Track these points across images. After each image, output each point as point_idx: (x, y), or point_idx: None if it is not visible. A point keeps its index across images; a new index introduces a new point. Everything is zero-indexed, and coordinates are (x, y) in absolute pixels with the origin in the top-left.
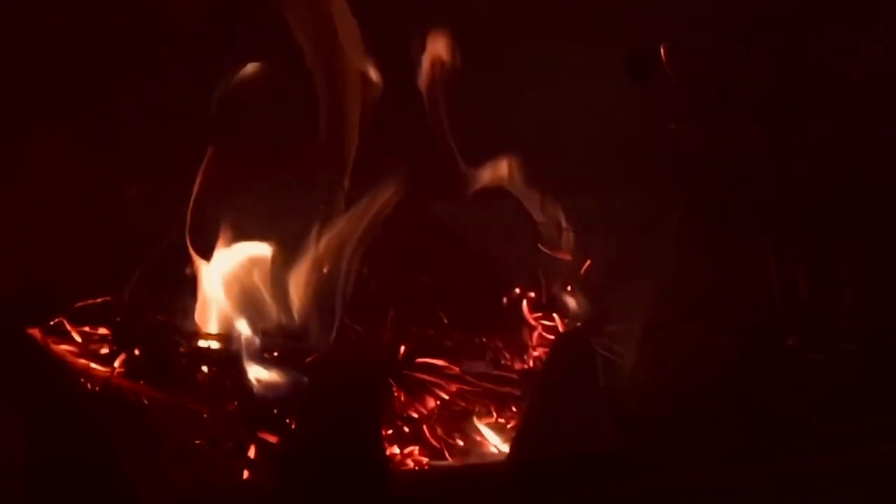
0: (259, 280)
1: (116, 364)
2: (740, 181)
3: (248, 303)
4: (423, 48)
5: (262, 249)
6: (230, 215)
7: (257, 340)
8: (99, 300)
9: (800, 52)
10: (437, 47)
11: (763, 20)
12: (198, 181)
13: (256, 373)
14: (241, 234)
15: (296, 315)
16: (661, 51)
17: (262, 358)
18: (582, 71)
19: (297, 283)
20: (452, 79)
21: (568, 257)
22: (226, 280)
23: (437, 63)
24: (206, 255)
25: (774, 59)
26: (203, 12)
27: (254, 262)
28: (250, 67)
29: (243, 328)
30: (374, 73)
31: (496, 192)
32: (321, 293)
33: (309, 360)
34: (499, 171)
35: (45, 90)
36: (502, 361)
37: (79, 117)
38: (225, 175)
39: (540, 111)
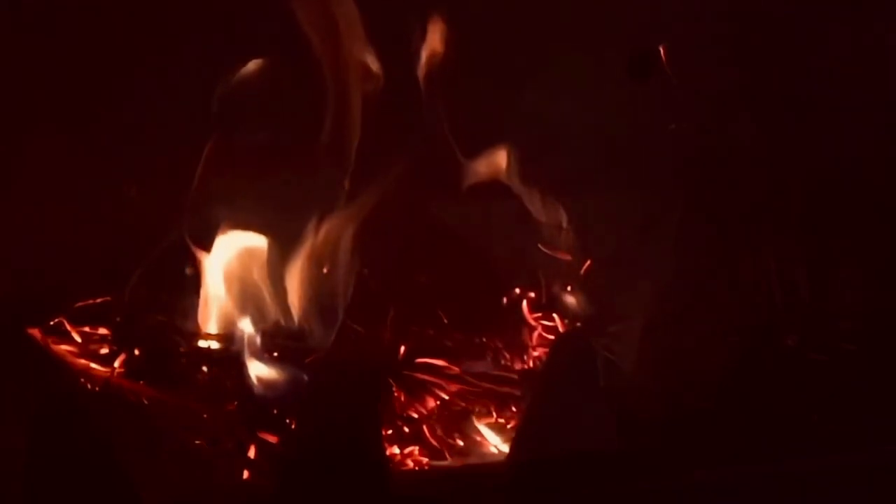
0: (260, 279)
1: (116, 364)
2: (740, 181)
3: (248, 302)
4: (422, 47)
5: (262, 248)
6: (232, 214)
7: (258, 340)
8: (99, 300)
9: (800, 52)
10: (437, 47)
11: (764, 20)
12: (199, 180)
13: (256, 373)
14: (242, 233)
15: (296, 315)
16: (661, 51)
17: (262, 358)
18: (582, 71)
19: (298, 283)
20: (452, 78)
21: (568, 257)
22: (226, 279)
23: (436, 63)
24: (207, 254)
25: (775, 58)
26: (203, 11)
27: (255, 262)
28: (250, 66)
29: (243, 328)
30: (374, 69)
31: (496, 192)
32: (322, 293)
33: (309, 360)
34: (498, 166)
35: (46, 90)
36: (502, 361)
37: (79, 117)
38: (227, 173)
39: (540, 111)
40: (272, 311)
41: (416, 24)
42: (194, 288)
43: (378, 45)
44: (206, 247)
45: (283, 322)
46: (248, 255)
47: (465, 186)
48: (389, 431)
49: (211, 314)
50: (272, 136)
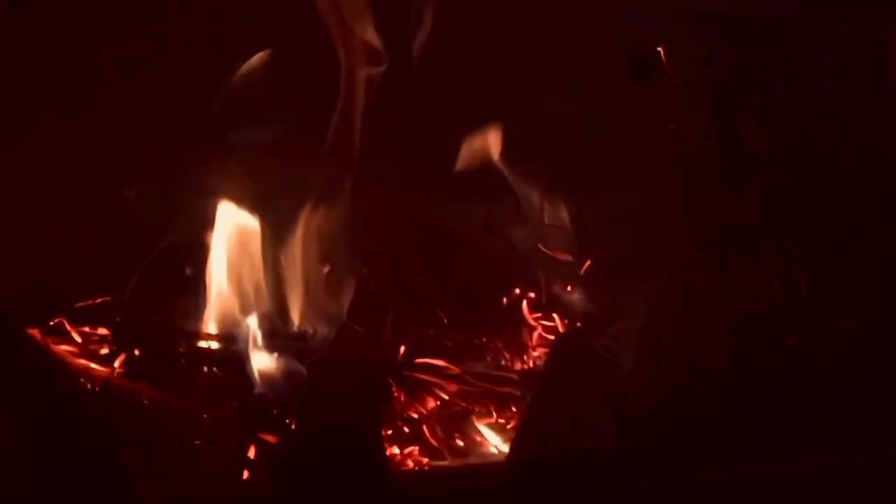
0: (259, 279)
1: (116, 364)
2: (740, 181)
3: (248, 302)
4: (422, 47)
5: (262, 248)
6: (232, 212)
7: (258, 340)
8: (99, 300)
9: (800, 52)
10: (437, 46)
11: (764, 19)
12: (199, 178)
13: (257, 373)
14: (242, 232)
15: (296, 315)
16: (661, 51)
17: (262, 358)
18: (582, 70)
19: (298, 283)
20: (452, 77)
21: (568, 257)
22: (226, 279)
23: (436, 62)
24: (208, 253)
25: (775, 59)
26: (203, 10)
27: (254, 262)
28: (249, 64)
29: (243, 328)
30: (376, 65)
31: (496, 192)
32: (322, 293)
33: (309, 360)
34: (498, 165)
35: (46, 90)
36: (502, 361)
37: (79, 117)
38: (227, 171)
39: (540, 110)
40: (272, 311)
41: (415, 22)
42: (194, 288)
43: (377, 42)
44: (206, 246)
45: (283, 322)
46: (247, 254)
47: (465, 186)
48: (389, 431)
49: (211, 314)
50: (274, 134)
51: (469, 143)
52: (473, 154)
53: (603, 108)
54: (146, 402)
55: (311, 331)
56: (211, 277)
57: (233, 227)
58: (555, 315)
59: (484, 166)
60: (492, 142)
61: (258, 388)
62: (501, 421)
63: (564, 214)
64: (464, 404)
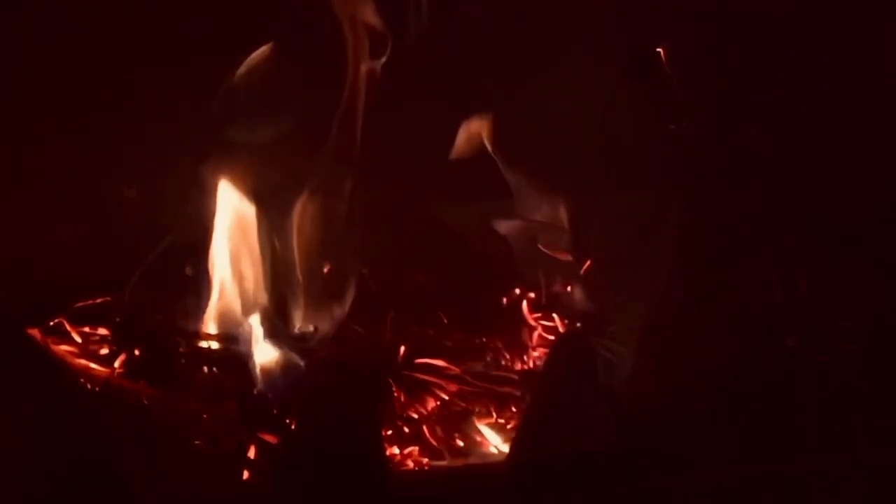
0: (259, 279)
1: (116, 364)
2: (740, 181)
3: (248, 302)
4: (421, 46)
5: (262, 248)
6: (231, 212)
7: (258, 340)
8: (99, 300)
9: (800, 52)
10: (437, 46)
11: (764, 19)
12: (203, 178)
13: (257, 373)
14: (242, 233)
15: (296, 315)
16: (661, 51)
17: (262, 358)
18: (582, 71)
19: (298, 283)
20: (451, 76)
21: (568, 257)
22: (226, 279)
23: (436, 62)
24: (207, 253)
25: (775, 58)
26: (203, 10)
27: (254, 262)
28: (250, 63)
29: (244, 328)
30: (376, 70)
31: (496, 192)
32: (322, 293)
33: (309, 360)
34: (498, 165)
35: (46, 90)
36: (502, 361)
37: (79, 117)
38: (230, 171)
39: (540, 111)
40: (272, 311)
41: (416, 22)
42: (194, 288)
43: (379, 41)
44: (206, 246)
45: (283, 322)
46: (247, 254)
47: (465, 186)
48: (389, 431)
49: (211, 314)
50: (274, 133)
51: (469, 142)
52: (473, 153)
53: (603, 108)
54: (146, 402)
55: (311, 331)
56: (211, 277)
57: (232, 226)
58: (555, 315)
59: (484, 166)
60: (492, 141)
61: (258, 388)
62: (501, 421)
63: (564, 214)
64: (464, 404)
